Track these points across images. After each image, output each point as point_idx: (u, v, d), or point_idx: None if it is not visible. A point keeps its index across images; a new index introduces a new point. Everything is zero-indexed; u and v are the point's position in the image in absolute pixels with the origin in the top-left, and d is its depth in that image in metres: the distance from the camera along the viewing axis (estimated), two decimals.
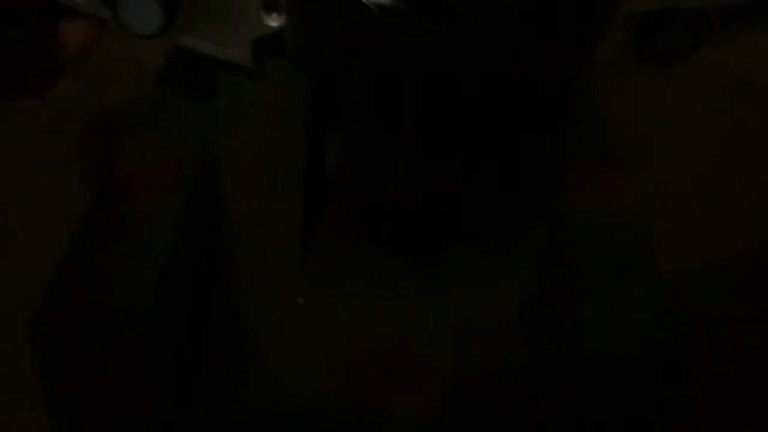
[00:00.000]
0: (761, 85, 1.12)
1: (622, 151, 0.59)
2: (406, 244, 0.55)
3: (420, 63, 0.37)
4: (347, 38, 0.39)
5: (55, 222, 0.64)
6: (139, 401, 0.47)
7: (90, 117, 0.80)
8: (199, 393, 0.53)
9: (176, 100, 0.57)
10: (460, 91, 0.41)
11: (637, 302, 0.46)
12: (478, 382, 0.52)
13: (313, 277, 0.57)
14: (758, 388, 0.72)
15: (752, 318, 0.79)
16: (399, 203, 0.50)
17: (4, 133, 0.79)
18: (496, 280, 0.54)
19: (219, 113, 0.54)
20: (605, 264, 0.48)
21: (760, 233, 0.90)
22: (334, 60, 0.41)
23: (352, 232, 0.55)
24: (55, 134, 0.79)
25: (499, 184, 0.50)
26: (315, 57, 0.41)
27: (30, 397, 0.47)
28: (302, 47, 0.42)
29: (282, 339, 0.54)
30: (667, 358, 0.43)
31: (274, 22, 0.49)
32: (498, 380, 0.52)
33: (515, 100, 0.45)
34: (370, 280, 0.56)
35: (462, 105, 0.44)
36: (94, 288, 0.43)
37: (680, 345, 0.43)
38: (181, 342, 0.51)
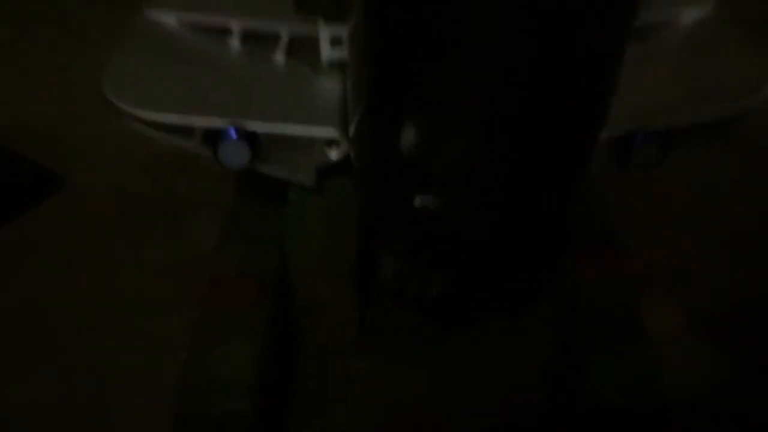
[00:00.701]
0: None
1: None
2: (443, 324, 0.68)
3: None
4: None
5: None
6: None
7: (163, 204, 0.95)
8: None
9: (253, 213, 0.71)
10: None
11: (626, 359, 0.59)
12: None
13: (368, 347, 0.70)
14: None
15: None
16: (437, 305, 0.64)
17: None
18: (516, 348, 0.67)
19: (288, 223, 0.68)
20: (600, 330, 0.61)
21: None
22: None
23: (401, 313, 0.69)
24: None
25: (515, 284, 0.64)
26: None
27: None
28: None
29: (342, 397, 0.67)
30: (651, 402, 0.56)
31: (334, 155, 0.63)
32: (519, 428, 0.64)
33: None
34: (413, 351, 0.69)
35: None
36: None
37: (661, 393, 0.56)
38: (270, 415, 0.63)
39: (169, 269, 0.84)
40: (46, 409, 0.71)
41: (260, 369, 0.58)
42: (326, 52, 0.67)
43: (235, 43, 0.74)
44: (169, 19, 0.76)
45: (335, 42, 0.66)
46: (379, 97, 0.48)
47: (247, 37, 0.74)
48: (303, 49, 0.71)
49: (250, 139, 0.62)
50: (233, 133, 0.62)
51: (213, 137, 0.62)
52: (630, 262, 0.70)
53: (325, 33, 0.66)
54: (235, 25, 0.74)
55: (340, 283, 0.69)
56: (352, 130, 0.58)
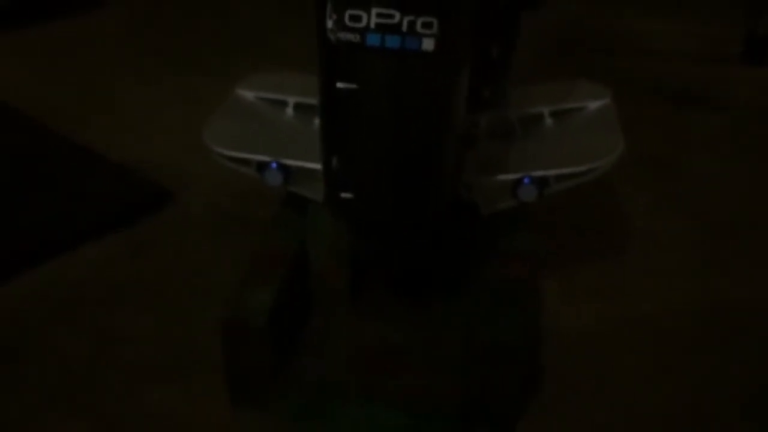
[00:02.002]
0: None
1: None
2: (405, 295, 1.08)
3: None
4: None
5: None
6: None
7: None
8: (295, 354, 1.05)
9: (287, 216, 1.12)
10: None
11: (510, 326, 0.96)
12: (436, 369, 1.02)
13: (354, 309, 1.09)
14: None
15: None
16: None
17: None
18: (446, 311, 1.06)
19: (308, 223, 1.09)
20: (496, 302, 0.99)
21: None
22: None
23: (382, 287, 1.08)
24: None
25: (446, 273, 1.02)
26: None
27: None
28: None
29: (330, 338, 1.06)
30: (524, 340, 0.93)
31: None
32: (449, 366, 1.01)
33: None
34: (380, 312, 1.08)
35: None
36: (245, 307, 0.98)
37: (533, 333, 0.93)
38: (284, 334, 1.03)
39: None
40: None
41: (275, 304, 0.98)
42: None
43: (289, 110, 1.18)
44: (250, 95, 1.21)
45: None
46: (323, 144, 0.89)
47: (297, 107, 1.17)
48: None
49: (284, 169, 1.04)
50: (273, 165, 1.04)
51: (262, 167, 1.04)
52: (534, 267, 1.08)
53: None
54: (290, 100, 1.18)
55: (339, 262, 1.09)
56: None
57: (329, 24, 0.75)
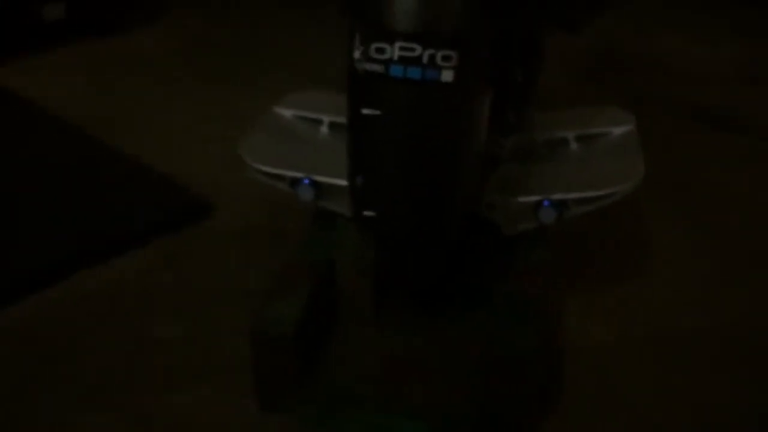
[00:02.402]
0: None
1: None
2: (426, 308, 1.12)
3: None
4: None
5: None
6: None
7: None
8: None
9: (321, 231, 1.17)
10: None
11: (524, 340, 1.00)
12: (454, 381, 1.05)
13: (377, 321, 1.14)
14: None
15: None
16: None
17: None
18: (465, 325, 1.10)
19: (336, 238, 1.14)
20: (509, 317, 1.03)
21: None
22: None
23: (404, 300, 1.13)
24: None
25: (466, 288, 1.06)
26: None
27: None
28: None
29: (353, 348, 1.11)
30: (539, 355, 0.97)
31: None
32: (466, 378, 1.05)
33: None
34: (402, 325, 1.12)
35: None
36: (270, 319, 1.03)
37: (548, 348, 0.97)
38: (310, 343, 1.08)
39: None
40: None
41: (301, 315, 1.03)
42: None
43: (324, 129, 1.23)
44: (288, 113, 1.26)
45: None
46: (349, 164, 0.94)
47: (333, 125, 1.22)
48: None
49: (315, 185, 1.09)
50: (306, 181, 1.09)
51: (295, 182, 1.10)
52: (549, 282, 1.11)
53: None
54: (325, 119, 1.23)
55: (364, 275, 1.13)
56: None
57: (356, 55, 0.80)
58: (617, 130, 1.20)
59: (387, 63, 0.78)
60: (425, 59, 0.78)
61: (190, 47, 2.19)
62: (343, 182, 1.06)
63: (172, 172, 1.58)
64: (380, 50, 0.78)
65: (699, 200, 1.58)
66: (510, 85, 1.09)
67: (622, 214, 1.52)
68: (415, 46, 0.77)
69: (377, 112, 0.80)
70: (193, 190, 1.53)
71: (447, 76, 0.78)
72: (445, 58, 0.78)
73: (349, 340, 1.13)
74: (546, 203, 1.06)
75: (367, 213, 0.88)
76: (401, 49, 0.77)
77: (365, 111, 0.80)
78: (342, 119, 1.21)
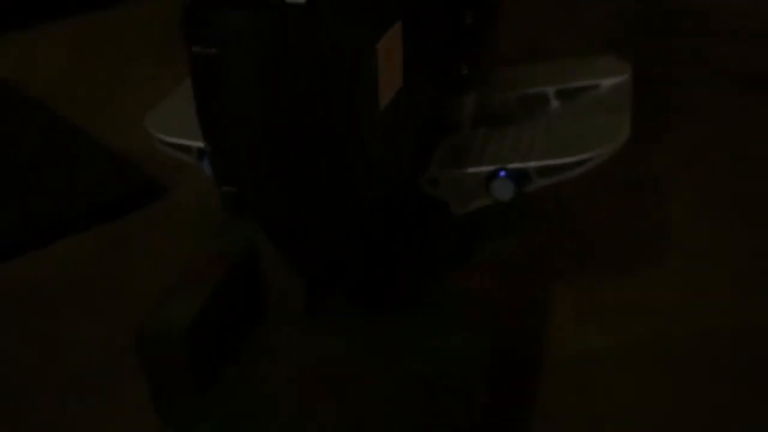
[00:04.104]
0: None
1: None
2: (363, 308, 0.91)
3: None
4: None
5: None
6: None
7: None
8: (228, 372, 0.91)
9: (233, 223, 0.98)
10: None
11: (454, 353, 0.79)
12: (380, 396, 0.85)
13: (307, 321, 0.94)
14: None
15: None
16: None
17: None
18: (397, 328, 0.88)
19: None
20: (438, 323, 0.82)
21: None
22: None
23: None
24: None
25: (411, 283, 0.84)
26: None
27: None
28: None
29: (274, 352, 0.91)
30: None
31: None
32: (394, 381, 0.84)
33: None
34: (334, 326, 0.92)
35: None
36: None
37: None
38: (215, 346, 0.89)
39: None
40: None
41: (200, 316, 0.85)
42: None
43: None
44: None
45: None
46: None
47: None
48: None
49: None
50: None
51: (202, 155, 0.91)
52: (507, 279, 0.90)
53: None
54: None
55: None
56: None
57: None
58: (608, 82, 0.96)
59: None
60: None
61: (172, 24, 2.03)
62: None
63: (132, 151, 1.42)
64: None
65: (739, 180, 1.32)
66: (457, 30, 0.87)
67: (641, 195, 1.28)
68: None
69: (211, 51, 0.60)
70: (149, 170, 1.37)
71: None
72: None
73: (272, 343, 0.94)
74: (501, 174, 0.84)
75: (225, 189, 0.68)
76: None
77: (195, 49, 0.60)
78: None
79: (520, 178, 0.83)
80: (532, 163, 0.83)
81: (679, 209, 1.24)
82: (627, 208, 1.24)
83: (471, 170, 0.85)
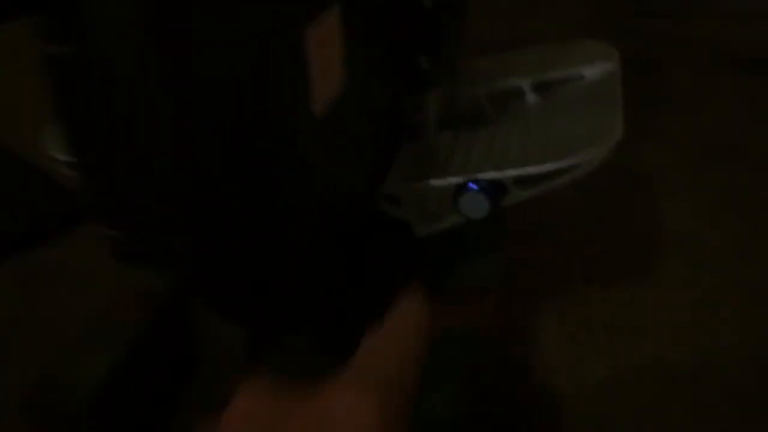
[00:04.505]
0: None
1: None
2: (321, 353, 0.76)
3: None
4: None
5: None
6: None
7: None
8: None
9: None
10: None
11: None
12: None
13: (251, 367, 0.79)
14: None
15: None
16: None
17: None
18: None
19: None
20: None
21: None
22: None
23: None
24: None
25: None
26: None
27: None
28: None
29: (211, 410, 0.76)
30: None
31: None
32: None
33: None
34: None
35: None
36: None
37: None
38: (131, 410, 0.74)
39: None
40: None
41: (111, 376, 0.70)
42: None
43: None
44: None
45: None
46: None
47: None
48: None
49: None
50: None
51: None
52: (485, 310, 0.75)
53: None
54: None
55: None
56: None
57: None
58: (592, 72, 0.82)
59: None
60: None
61: None
62: None
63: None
64: None
65: (746, 176, 1.18)
66: (412, 12, 0.72)
67: (632, 196, 1.15)
68: None
69: (75, 50, 0.45)
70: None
71: None
72: None
73: (208, 398, 0.79)
74: (472, 186, 0.69)
75: (109, 233, 0.52)
76: None
77: (52, 49, 0.45)
78: None
79: (494, 190, 0.69)
80: (509, 172, 0.69)
81: (674, 212, 1.11)
82: (617, 213, 1.10)
83: (435, 183, 0.70)
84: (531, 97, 0.83)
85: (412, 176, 0.73)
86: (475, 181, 0.69)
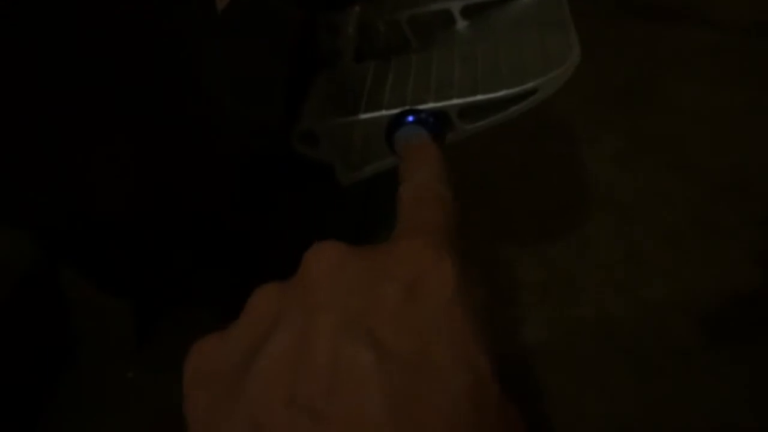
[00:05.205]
0: None
1: None
2: None
3: None
4: None
5: None
6: None
7: None
8: None
9: None
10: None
11: None
12: None
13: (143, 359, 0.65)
14: None
15: None
16: None
17: None
18: None
19: None
20: None
21: None
22: None
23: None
24: None
25: None
26: None
27: None
28: None
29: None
30: None
31: None
32: None
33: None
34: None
35: None
36: None
37: None
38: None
39: None
40: None
41: None
42: None
43: None
44: None
45: None
46: None
47: None
48: None
49: None
50: None
51: None
52: None
53: None
54: None
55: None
56: None
57: None
58: None
59: None
60: None
61: None
62: None
63: None
64: None
65: (646, 115, 1.13)
66: None
67: (551, 146, 1.07)
68: None
69: None
70: None
71: None
72: None
73: (92, 389, 0.64)
74: (409, 119, 0.57)
75: None
76: None
77: None
78: None
79: (436, 123, 0.57)
80: (454, 102, 0.57)
81: (600, 161, 1.04)
82: (537, 167, 1.02)
83: (364, 117, 0.58)
84: (460, 24, 0.72)
85: (333, 110, 0.60)
86: (413, 113, 0.57)
